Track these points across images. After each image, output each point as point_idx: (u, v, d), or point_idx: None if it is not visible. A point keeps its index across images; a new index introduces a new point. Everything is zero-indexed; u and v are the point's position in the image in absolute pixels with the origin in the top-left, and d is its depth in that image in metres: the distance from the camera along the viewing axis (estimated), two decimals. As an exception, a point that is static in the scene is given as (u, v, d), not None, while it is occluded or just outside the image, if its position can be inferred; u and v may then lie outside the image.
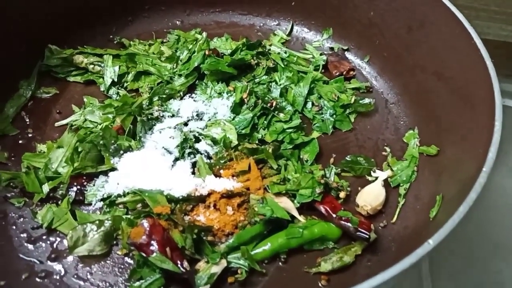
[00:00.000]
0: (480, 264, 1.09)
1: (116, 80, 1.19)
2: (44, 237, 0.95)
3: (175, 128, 1.07)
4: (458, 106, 1.02)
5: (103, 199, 0.98)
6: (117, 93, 1.18)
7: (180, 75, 1.20)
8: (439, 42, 1.10)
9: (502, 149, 0.84)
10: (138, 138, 1.05)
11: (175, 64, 1.23)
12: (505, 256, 1.10)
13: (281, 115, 1.12)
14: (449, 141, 1.03)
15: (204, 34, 1.30)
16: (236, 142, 1.04)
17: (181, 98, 1.16)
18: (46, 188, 0.97)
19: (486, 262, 1.09)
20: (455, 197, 0.84)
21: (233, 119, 1.10)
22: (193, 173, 1.01)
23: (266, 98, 1.13)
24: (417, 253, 0.68)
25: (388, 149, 1.12)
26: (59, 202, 0.97)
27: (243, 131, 1.08)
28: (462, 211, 0.71)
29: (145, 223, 0.87)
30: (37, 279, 0.89)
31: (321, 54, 1.30)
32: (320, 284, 0.90)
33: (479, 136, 0.89)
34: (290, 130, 1.10)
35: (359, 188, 1.03)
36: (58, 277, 0.89)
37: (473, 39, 0.98)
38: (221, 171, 1.00)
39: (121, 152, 1.02)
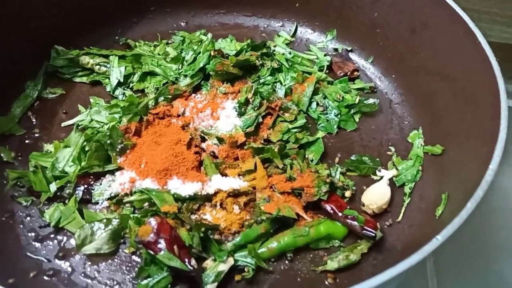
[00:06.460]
0: (483, 264, 1.09)
1: (122, 80, 1.19)
2: (51, 235, 0.95)
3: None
4: (462, 106, 1.03)
5: (110, 198, 0.98)
6: (123, 94, 1.19)
7: (185, 76, 1.20)
8: (443, 42, 1.10)
9: (505, 149, 0.84)
10: (144, 137, 1.06)
11: (180, 65, 1.23)
12: (507, 257, 1.10)
13: (286, 115, 1.13)
14: (453, 141, 1.03)
15: (209, 35, 1.31)
16: (244, 139, 1.04)
17: (187, 99, 1.17)
18: (53, 187, 0.98)
19: (489, 263, 1.09)
20: (461, 195, 0.84)
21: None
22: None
23: (271, 98, 1.14)
24: (424, 250, 0.68)
25: (392, 149, 1.12)
26: (66, 201, 0.98)
27: (248, 130, 1.08)
28: (470, 208, 0.72)
29: (153, 221, 0.87)
30: (45, 278, 0.89)
31: (325, 55, 1.31)
32: (326, 282, 0.90)
33: (484, 135, 0.89)
34: (295, 130, 1.11)
35: (364, 187, 1.04)
36: (66, 275, 0.90)
37: (477, 39, 0.99)
38: (228, 170, 1.01)
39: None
